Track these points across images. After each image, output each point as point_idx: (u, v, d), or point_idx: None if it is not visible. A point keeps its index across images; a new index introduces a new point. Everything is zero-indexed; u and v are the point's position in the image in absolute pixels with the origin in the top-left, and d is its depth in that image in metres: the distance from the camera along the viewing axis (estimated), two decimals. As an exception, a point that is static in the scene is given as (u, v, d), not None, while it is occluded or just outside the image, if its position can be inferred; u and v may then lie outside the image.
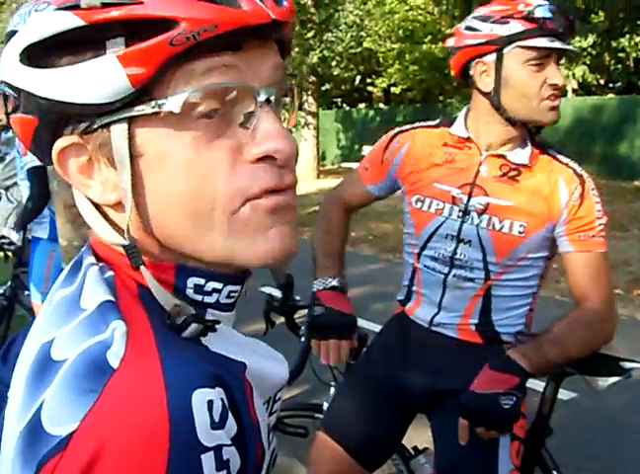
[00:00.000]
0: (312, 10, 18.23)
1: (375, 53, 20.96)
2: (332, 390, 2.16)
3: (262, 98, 0.62)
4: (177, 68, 0.59)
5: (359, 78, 23.94)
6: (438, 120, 1.93)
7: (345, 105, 26.12)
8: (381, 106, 23.96)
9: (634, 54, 15.71)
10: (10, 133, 4.24)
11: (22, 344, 0.67)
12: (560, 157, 1.80)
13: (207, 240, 0.63)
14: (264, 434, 0.65)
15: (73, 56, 0.59)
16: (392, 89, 21.67)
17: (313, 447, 1.96)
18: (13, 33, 0.62)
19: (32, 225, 3.87)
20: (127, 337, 0.56)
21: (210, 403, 0.54)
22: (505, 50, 1.68)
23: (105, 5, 0.57)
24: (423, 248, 1.87)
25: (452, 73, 1.86)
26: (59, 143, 0.63)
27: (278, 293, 2.16)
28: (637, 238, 8.39)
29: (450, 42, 1.83)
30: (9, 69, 0.62)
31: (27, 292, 4.06)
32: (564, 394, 3.62)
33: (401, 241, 2.00)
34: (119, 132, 0.61)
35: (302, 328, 2.09)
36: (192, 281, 0.67)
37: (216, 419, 0.54)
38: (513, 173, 1.76)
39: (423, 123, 1.94)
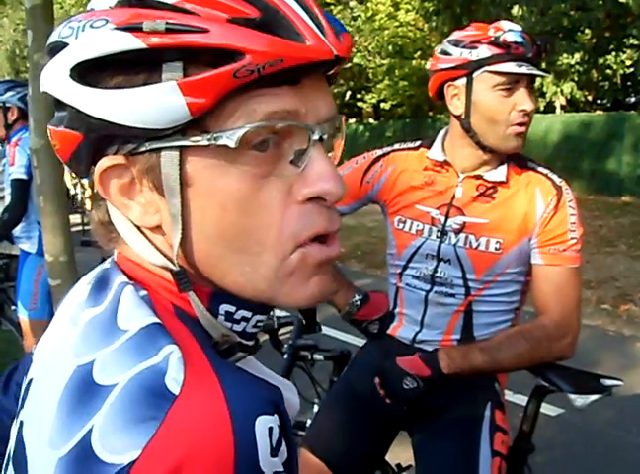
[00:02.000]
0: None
1: (365, 69, 21.07)
2: (315, 408, 2.17)
3: (316, 136, 0.61)
4: (235, 100, 0.58)
5: (348, 93, 24.02)
6: (417, 143, 1.95)
7: (335, 120, 26.16)
8: (371, 121, 24.04)
9: (621, 71, 15.85)
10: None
11: (22, 374, 0.65)
12: (540, 169, 1.81)
13: (252, 278, 0.63)
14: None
15: (126, 77, 0.58)
16: (382, 104, 21.73)
17: (296, 464, 1.95)
18: (61, 45, 0.60)
19: (19, 238, 3.85)
20: (184, 361, 0.55)
21: (271, 430, 0.54)
22: (474, 75, 1.71)
23: (169, 30, 0.56)
24: (405, 267, 1.89)
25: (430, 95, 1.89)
26: (103, 163, 0.62)
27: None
28: (624, 253, 8.42)
29: (427, 65, 1.86)
30: (57, 83, 0.60)
31: (13, 307, 4.05)
32: (551, 410, 3.63)
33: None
34: (169, 159, 0.59)
35: (286, 345, 2.09)
36: (223, 308, 0.66)
37: (274, 446, 0.54)
38: (489, 191, 1.78)
39: (403, 146, 1.96)
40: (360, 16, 19.85)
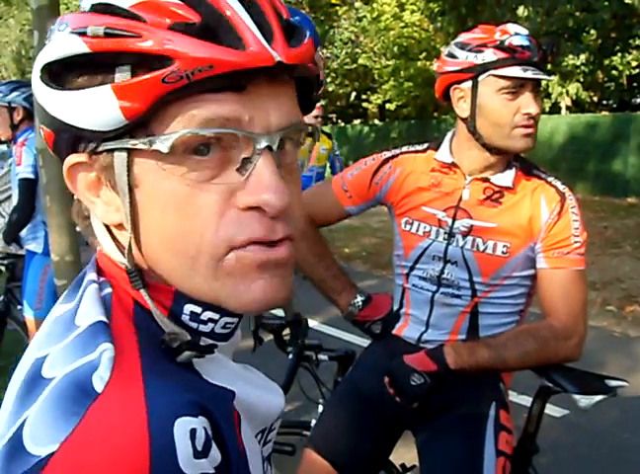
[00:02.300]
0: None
1: (370, 70, 21.08)
2: (320, 408, 2.17)
3: (261, 145, 0.60)
4: (175, 105, 0.58)
5: (354, 94, 24.04)
6: (425, 145, 1.96)
7: (340, 121, 26.21)
8: (376, 122, 24.04)
9: (627, 72, 15.81)
10: (4, 147, 4.24)
11: None
12: (544, 176, 1.83)
13: (193, 281, 0.63)
14: (255, 465, 0.65)
15: (85, 80, 0.60)
16: (387, 105, 21.72)
17: (301, 464, 1.96)
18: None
19: (26, 239, 3.87)
20: (114, 361, 0.56)
21: (193, 432, 0.54)
22: (479, 78, 1.72)
23: (107, 35, 0.58)
24: (412, 268, 1.91)
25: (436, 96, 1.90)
26: (70, 159, 0.64)
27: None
28: (630, 255, 8.40)
29: (434, 66, 1.87)
30: (33, 83, 0.63)
31: (19, 307, 4.06)
32: (555, 411, 3.62)
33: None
34: (120, 160, 0.61)
35: (291, 345, 2.10)
36: (188, 308, 0.66)
37: (199, 448, 0.54)
38: (496, 195, 1.80)
39: (411, 148, 1.97)
40: (365, 17, 19.85)
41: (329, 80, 19.79)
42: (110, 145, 0.61)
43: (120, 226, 0.66)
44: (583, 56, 14.57)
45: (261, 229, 0.61)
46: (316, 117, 7.14)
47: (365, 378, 1.96)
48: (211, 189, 0.60)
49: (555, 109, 17.14)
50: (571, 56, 14.42)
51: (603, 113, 16.94)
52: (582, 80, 15.78)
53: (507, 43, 1.68)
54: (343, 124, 24.29)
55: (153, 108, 0.58)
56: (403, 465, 2.12)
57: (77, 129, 0.61)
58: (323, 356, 2.12)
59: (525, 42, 1.68)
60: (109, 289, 0.66)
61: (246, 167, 0.61)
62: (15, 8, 27.68)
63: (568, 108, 17.39)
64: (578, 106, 17.50)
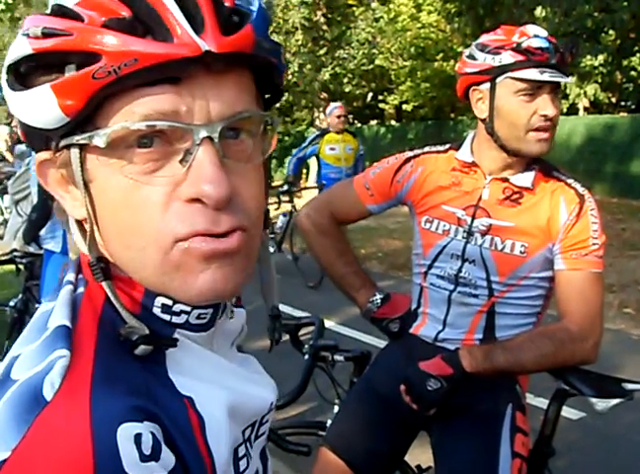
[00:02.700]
0: (324, 27, 18.34)
1: (387, 71, 21.02)
2: (335, 408, 2.17)
3: (200, 135, 0.60)
4: (115, 100, 0.59)
5: (370, 95, 24.00)
6: (447, 145, 1.98)
7: (356, 122, 26.20)
8: (393, 123, 23.98)
9: (646, 73, 15.68)
10: (23, 146, 4.28)
11: None
12: (563, 178, 1.83)
13: (144, 273, 0.64)
14: (225, 466, 0.65)
15: (34, 80, 0.61)
16: (404, 106, 21.66)
17: (317, 463, 1.97)
18: None
19: (44, 238, 3.91)
20: (67, 369, 0.57)
21: (138, 436, 0.54)
22: (497, 80, 1.73)
23: (45, 35, 0.59)
24: (430, 267, 1.91)
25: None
26: (39, 156, 0.66)
27: (285, 310, 2.18)
28: (648, 257, 8.33)
29: (456, 66, 1.89)
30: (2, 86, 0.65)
31: (37, 305, 4.09)
32: (573, 413, 3.61)
33: (410, 258, 2.04)
34: (74, 156, 0.62)
35: (306, 346, 2.10)
36: (159, 301, 0.67)
37: (146, 452, 0.54)
38: (515, 196, 1.80)
39: (433, 149, 1.99)
40: (382, 17, 19.80)
41: (345, 81, 19.75)
42: (64, 142, 0.62)
43: (86, 221, 0.66)
44: (601, 57, 14.46)
45: (203, 221, 0.61)
46: (339, 116, 7.14)
47: (382, 379, 1.97)
48: (155, 181, 0.61)
49: (573, 110, 17.04)
50: (589, 57, 14.31)
51: (622, 114, 16.81)
52: (600, 81, 15.66)
53: (524, 46, 1.68)
54: (359, 125, 24.27)
55: (90, 104, 0.59)
56: (419, 466, 2.13)
57: (32, 128, 0.63)
58: (339, 357, 2.12)
59: (544, 44, 1.68)
60: (81, 289, 0.66)
61: (187, 158, 0.61)
62: (34, 10, 27.91)
63: (586, 109, 17.27)
64: (596, 107, 17.38)
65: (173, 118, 0.60)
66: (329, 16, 18.76)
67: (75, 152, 0.62)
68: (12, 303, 4.28)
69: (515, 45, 1.69)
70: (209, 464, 0.63)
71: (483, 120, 1.81)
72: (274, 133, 0.69)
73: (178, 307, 0.67)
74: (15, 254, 4.09)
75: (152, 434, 0.56)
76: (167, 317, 0.68)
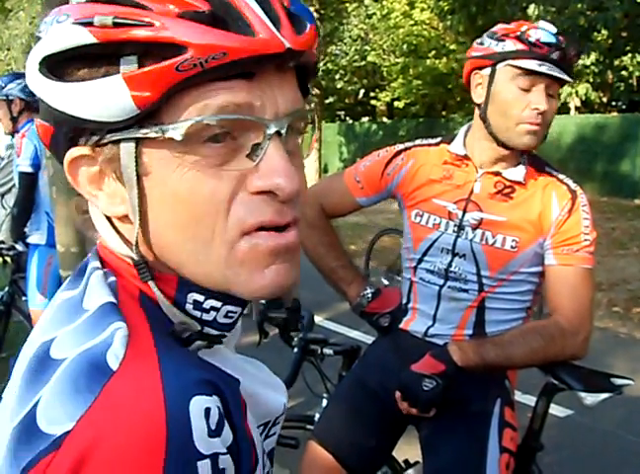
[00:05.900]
0: (317, 23, 18.33)
1: (379, 67, 21.04)
2: (324, 402, 2.16)
3: (271, 130, 0.61)
4: (186, 94, 0.59)
5: (362, 92, 24.03)
6: (438, 139, 1.97)
7: (348, 118, 26.20)
8: (384, 120, 24.00)
9: (637, 73, 15.72)
10: (12, 140, 4.25)
11: None
12: (555, 173, 1.83)
13: (205, 267, 0.64)
14: (258, 452, 0.65)
15: (87, 71, 0.60)
16: (395, 103, 21.66)
17: (304, 457, 1.96)
18: (38, 39, 0.63)
19: (29, 232, 3.88)
20: (128, 339, 0.57)
21: (208, 410, 0.54)
22: (498, 66, 1.74)
23: (116, 25, 0.57)
24: (420, 261, 1.90)
25: (462, 81, 1.93)
26: (72, 153, 0.64)
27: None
28: (637, 256, 8.38)
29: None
30: (30, 76, 0.63)
31: (24, 298, 4.07)
32: (559, 411, 3.61)
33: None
34: (127, 150, 0.61)
35: (295, 339, 2.09)
36: (191, 297, 0.67)
37: (213, 427, 0.54)
38: (507, 190, 1.80)
39: (424, 142, 1.98)
40: (375, 14, 19.80)
41: (337, 77, 19.76)
42: (116, 136, 0.61)
43: (123, 218, 0.66)
44: (593, 56, 14.52)
45: (271, 212, 0.62)
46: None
47: (371, 373, 1.96)
48: (223, 175, 0.61)
49: (564, 109, 17.09)
50: (581, 56, 14.36)
51: (613, 113, 16.90)
52: (591, 80, 15.73)
53: (527, 36, 1.70)
54: (351, 121, 24.28)
55: (165, 96, 0.58)
56: (406, 461, 2.12)
57: (81, 121, 0.60)
58: (328, 351, 2.11)
59: (548, 39, 1.70)
60: (113, 278, 0.66)
61: (257, 153, 0.61)
62: (25, 1, 27.75)
63: (577, 108, 17.34)
64: (587, 106, 17.46)
65: (247, 112, 0.60)
66: (321, 12, 18.71)
67: (129, 146, 0.61)
68: (-2, 296, 4.24)
69: (519, 34, 1.71)
70: (253, 446, 0.64)
71: (478, 106, 1.81)
72: (314, 132, 0.71)
73: (208, 303, 0.67)
74: (1, 246, 4.05)
75: (218, 408, 0.56)
76: (198, 314, 0.68)
